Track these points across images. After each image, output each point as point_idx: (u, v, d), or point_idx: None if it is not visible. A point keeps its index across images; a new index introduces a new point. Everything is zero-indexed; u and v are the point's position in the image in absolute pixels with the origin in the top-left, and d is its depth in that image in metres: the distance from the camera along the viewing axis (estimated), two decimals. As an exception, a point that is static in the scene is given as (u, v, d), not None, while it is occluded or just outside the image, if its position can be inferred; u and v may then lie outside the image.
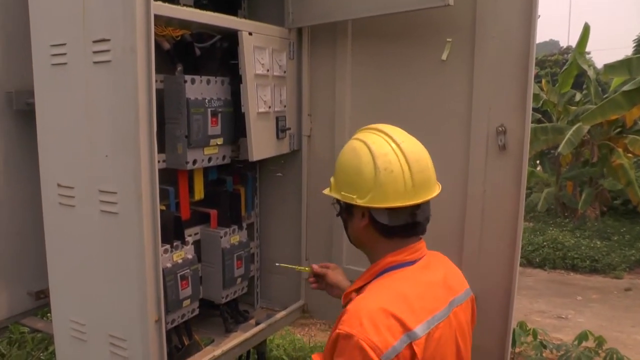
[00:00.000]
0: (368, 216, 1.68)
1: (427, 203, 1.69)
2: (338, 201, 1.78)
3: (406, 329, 1.49)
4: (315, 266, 2.15)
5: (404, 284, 1.64)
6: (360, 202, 1.66)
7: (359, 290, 1.71)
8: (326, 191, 1.83)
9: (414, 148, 1.68)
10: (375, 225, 1.68)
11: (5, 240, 2.40)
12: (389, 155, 1.64)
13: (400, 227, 1.67)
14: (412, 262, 1.70)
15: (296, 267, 2.34)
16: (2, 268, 2.40)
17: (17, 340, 4.88)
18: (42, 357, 4.64)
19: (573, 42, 14.34)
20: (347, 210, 1.76)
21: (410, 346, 1.48)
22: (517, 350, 5.67)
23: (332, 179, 1.81)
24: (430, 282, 1.68)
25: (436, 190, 1.72)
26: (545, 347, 5.46)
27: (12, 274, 2.44)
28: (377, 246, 1.73)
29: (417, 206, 1.65)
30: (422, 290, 1.63)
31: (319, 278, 2.14)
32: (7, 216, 2.39)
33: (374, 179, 1.63)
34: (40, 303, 2.53)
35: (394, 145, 1.66)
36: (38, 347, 4.75)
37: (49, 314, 2.44)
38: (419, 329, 1.52)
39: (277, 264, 2.41)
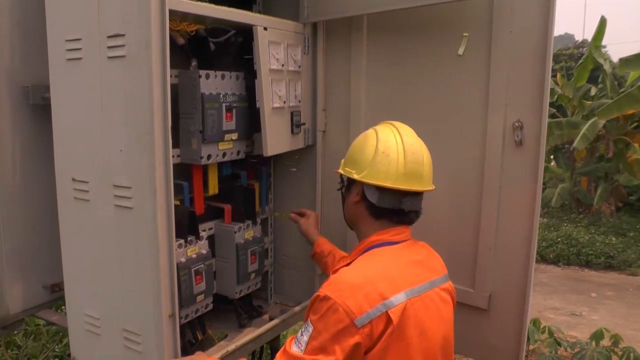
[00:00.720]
0: (361, 193, 1.88)
1: (417, 197, 1.87)
2: (341, 177, 2.02)
3: (383, 297, 1.61)
4: (293, 216, 2.52)
5: (386, 259, 1.80)
6: (356, 176, 1.88)
7: (344, 266, 1.83)
8: (336, 170, 2.05)
9: (415, 143, 1.88)
10: (365, 202, 1.88)
11: (21, 234, 2.42)
12: (390, 142, 1.86)
13: (387, 210, 1.85)
14: (396, 242, 1.86)
15: (277, 213, 2.70)
16: (17, 261, 2.42)
17: (33, 332, 4.93)
18: (56, 350, 4.69)
19: (588, 36, 14.22)
20: (347, 186, 2.00)
21: (386, 314, 1.60)
22: (531, 347, 5.63)
23: (342, 160, 2.02)
24: (412, 260, 1.82)
25: (427, 187, 1.89)
26: (559, 344, 5.43)
27: (28, 267, 2.46)
28: (366, 225, 1.92)
29: (405, 194, 1.83)
30: (403, 265, 1.79)
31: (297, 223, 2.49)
32: (23, 210, 2.41)
33: (372, 159, 1.85)
34: (55, 296, 2.56)
35: (398, 137, 1.87)
36: (53, 339, 4.80)
37: (63, 307, 2.46)
38: (396, 298, 1.64)
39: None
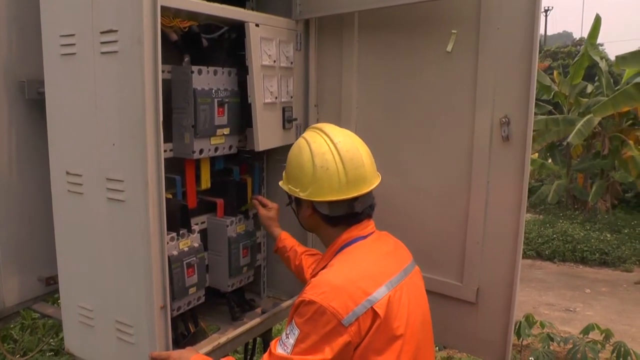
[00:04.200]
0: (311, 207, 1.92)
1: (366, 195, 1.89)
2: (287, 193, 2.02)
3: (367, 294, 1.66)
4: (255, 202, 2.53)
5: (361, 254, 1.85)
6: (302, 195, 1.90)
7: (323, 269, 1.85)
8: (281, 183, 2.06)
9: (350, 147, 1.88)
10: (319, 214, 1.91)
11: (16, 227, 2.45)
12: (326, 155, 1.86)
13: (341, 216, 1.89)
14: (365, 237, 1.90)
15: (246, 206, 2.64)
16: (13, 254, 2.45)
17: (29, 326, 4.96)
18: (52, 343, 4.72)
19: (586, 34, 14.17)
20: (295, 201, 2.01)
21: (371, 309, 1.64)
22: (524, 342, 5.67)
23: (284, 173, 2.03)
24: (384, 252, 1.89)
25: (374, 183, 1.92)
26: (552, 339, 5.47)
27: (23, 260, 2.49)
28: (326, 231, 1.95)
29: (355, 199, 1.86)
30: (378, 258, 1.85)
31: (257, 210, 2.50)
32: (19, 203, 2.43)
33: (312, 175, 1.86)
34: (51, 289, 2.58)
35: (331, 145, 1.87)
36: (48, 333, 4.83)
37: (59, 301, 2.49)
38: (378, 293, 1.68)
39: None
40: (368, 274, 1.73)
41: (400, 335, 1.69)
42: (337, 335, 1.60)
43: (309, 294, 1.66)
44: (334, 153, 1.85)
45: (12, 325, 4.81)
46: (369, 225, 1.93)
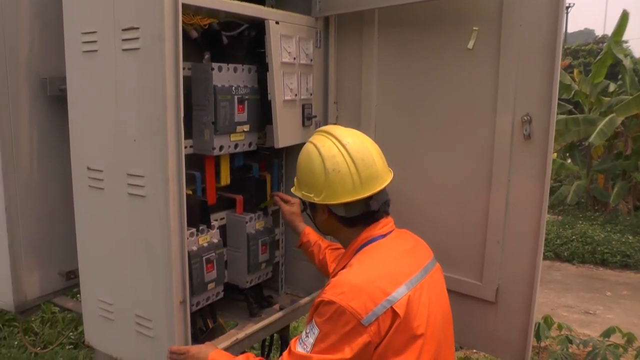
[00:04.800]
0: (327, 211, 1.93)
1: (381, 192, 1.89)
2: (301, 199, 2.03)
3: (386, 293, 1.65)
4: (276, 198, 2.52)
5: (380, 254, 1.84)
6: (316, 199, 1.91)
7: (342, 269, 1.85)
8: (293, 189, 2.07)
9: (359, 147, 1.88)
10: (335, 216, 1.93)
11: (38, 222, 2.48)
12: (337, 157, 1.86)
13: (358, 217, 1.90)
14: (384, 235, 1.90)
15: (263, 204, 2.63)
16: (34, 249, 2.49)
17: (49, 320, 5.04)
18: (71, 337, 4.78)
19: (609, 31, 13.94)
20: (310, 207, 2.02)
21: (391, 309, 1.64)
22: (542, 344, 5.61)
23: (295, 179, 2.05)
24: (403, 250, 1.88)
25: (386, 180, 1.92)
26: (571, 342, 5.40)
27: (44, 254, 2.52)
28: (344, 233, 1.96)
29: (369, 197, 1.86)
30: (397, 257, 1.84)
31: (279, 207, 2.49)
32: (40, 198, 2.47)
33: (325, 180, 1.86)
34: (71, 283, 2.62)
35: (340, 147, 1.87)
36: (68, 326, 4.90)
37: (78, 295, 2.53)
38: (398, 292, 1.67)
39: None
40: (387, 273, 1.73)
41: (420, 334, 1.68)
42: (356, 335, 1.60)
43: (328, 294, 1.67)
44: (344, 155, 1.86)
45: (32, 319, 4.89)
46: (387, 224, 1.93)
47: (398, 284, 1.70)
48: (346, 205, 1.86)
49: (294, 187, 2.07)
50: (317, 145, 1.91)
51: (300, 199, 2.04)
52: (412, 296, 1.70)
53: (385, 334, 1.63)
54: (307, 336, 1.66)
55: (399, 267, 1.78)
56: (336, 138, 1.89)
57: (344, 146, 1.87)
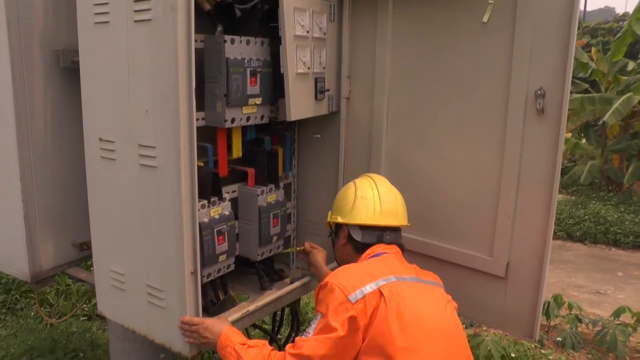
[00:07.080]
0: (347, 235, 2.18)
1: (396, 232, 2.17)
2: (330, 226, 2.32)
3: (375, 278, 1.86)
4: (307, 244, 2.55)
5: (379, 261, 2.04)
6: (340, 219, 2.20)
7: None
8: (325, 221, 2.36)
9: (389, 191, 2.22)
10: (352, 243, 2.16)
11: (52, 193, 2.52)
12: (367, 190, 2.20)
13: (370, 244, 2.12)
14: (386, 253, 2.10)
15: (294, 249, 2.80)
16: (49, 219, 2.53)
17: (64, 291, 5.13)
18: (85, 308, 4.87)
19: (631, 9, 13.64)
20: (335, 232, 2.28)
21: (378, 291, 1.82)
22: (552, 323, 5.62)
23: (329, 212, 2.32)
24: (402, 264, 2.06)
25: (403, 222, 2.20)
26: (580, 321, 5.41)
27: (58, 225, 2.56)
28: (354, 261, 2.12)
29: (385, 229, 2.13)
30: (395, 264, 2.01)
31: (306, 254, 2.54)
32: (54, 169, 2.50)
33: (352, 203, 2.18)
34: (84, 254, 2.66)
35: (374, 185, 2.22)
36: (82, 299, 4.98)
37: (92, 268, 2.56)
38: (386, 280, 1.87)
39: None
40: (379, 269, 1.94)
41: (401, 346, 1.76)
42: (344, 310, 1.78)
43: (324, 280, 1.92)
44: (374, 190, 2.19)
45: (47, 290, 4.97)
46: (394, 248, 2.14)
47: (388, 275, 1.90)
48: (363, 230, 2.13)
49: (326, 220, 2.34)
50: (357, 181, 2.27)
51: (328, 225, 2.33)
52: (398, 285, 1.86)
53: (371, 316, 1.78)
54: (310, 326, 1.86)
55: (393, 269, 1.96)
56: (373, 180, 2.24)
57: (376, 185, 2.20)
